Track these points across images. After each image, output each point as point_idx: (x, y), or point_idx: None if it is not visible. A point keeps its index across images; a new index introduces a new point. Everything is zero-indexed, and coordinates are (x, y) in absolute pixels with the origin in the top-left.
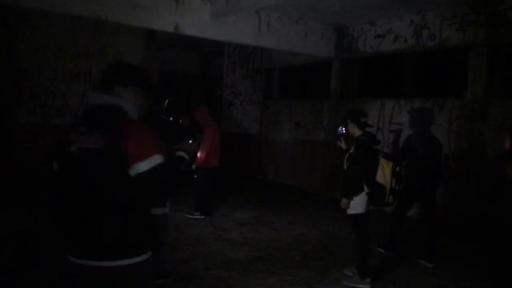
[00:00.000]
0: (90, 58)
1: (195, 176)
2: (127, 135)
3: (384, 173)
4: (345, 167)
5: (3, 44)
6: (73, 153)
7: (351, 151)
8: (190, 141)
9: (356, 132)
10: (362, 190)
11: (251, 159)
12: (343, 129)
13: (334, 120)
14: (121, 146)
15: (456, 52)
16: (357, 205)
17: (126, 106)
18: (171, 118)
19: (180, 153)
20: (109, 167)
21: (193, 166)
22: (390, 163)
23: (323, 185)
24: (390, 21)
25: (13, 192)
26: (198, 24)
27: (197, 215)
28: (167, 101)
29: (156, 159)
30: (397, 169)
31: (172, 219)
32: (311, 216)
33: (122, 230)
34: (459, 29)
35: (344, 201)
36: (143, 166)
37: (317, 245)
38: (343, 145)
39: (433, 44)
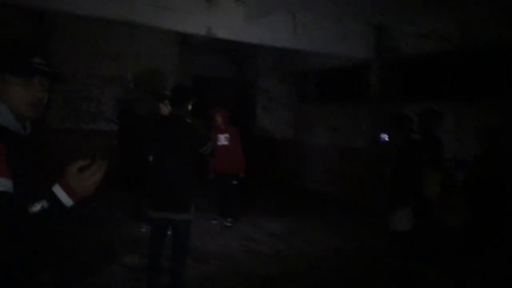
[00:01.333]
0: (123, 63)
1: (235, 182)
2: None
3: (432, 185)
4: (389, 177)
5: (38, 49)
6: None
7: (395, 160)
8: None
9: (400, 139)
10: (408, 203)
11: (286, 165)
12: (386, 136)
13: (372, 125)
14: None
15: (508, 51)
16: (402, 220)
17: None
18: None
19: (57, 189)
20: None
21: (242, 175)
22: (438, 174)
23: (361, 193)
24: (434, 19)
25: None
26: (231, 26)
27: (230, 221)
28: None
29: None
30: (447, 180)
31: (198, 227)
32: (348, 227)
33: None
34: (510, 26)
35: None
36: None
37: (355, 260)
38: (386, 154)
39: (481, 44)
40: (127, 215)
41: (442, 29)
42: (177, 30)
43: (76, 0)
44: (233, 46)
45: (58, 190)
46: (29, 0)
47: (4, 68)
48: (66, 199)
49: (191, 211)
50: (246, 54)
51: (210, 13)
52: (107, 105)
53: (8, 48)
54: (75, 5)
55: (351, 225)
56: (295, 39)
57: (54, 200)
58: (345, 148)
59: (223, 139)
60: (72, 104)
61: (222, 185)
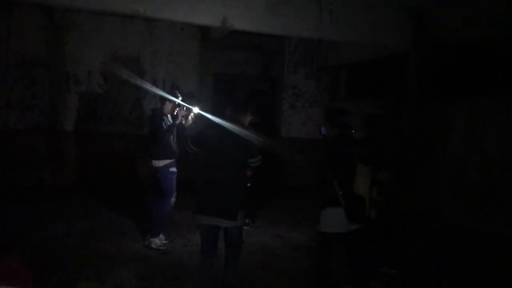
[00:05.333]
0: (142, 62)
1: (249, 185)
2: None
3: (363, 181)
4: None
5: (51, 48)
6: None
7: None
8: None
9: (331, 133)
10: (333, 203)
11: (315, 168)
12: (324, 130)
13: (412, 122)
14: None
15: None
16: (329, 221)
17: None
18: None
19: None
20: None
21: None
22: (369, 169)
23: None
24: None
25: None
26: (249, 16)
27: (247, 222)
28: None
29: None
30: (379, 176)
31: None
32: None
33: None
34: None
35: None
36: None
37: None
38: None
39: None
40: (142, 226)
41: (491, 11)
42: (190, 22)
43: None
44: (257, 40)
45: None
46: None
47: None
48: None
49: (238, 218)
50: (271, 49)
51: (225, 2)
52: (124, 106)
53: None
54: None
55: None
56: (321, 28)
57: None
58: None
59: None
60: (88, 106)
61: None
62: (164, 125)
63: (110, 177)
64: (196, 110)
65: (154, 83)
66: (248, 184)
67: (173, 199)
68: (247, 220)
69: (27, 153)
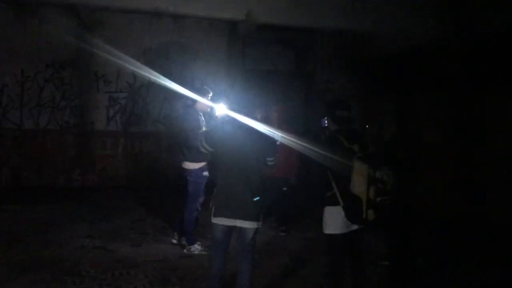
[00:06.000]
0: (170, 59)
1: (285, 189)
2: None
3: (359, 180)
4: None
5: (80, 48)
6: None
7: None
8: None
9: (331, 127)
10: (329, 203)
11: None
12: (325, 122)
13: (453, 118)
14: None
15: None
16: (330, 222)
17: None
18: None
19: None
20: None
21: (292, 181)
22: (365, 167)
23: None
24: None
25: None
26: (275, 8)
27: (283, 229)
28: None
29: None
30: (377, 174)
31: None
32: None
33: None
34: None
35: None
36: None
37: None
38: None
39: None
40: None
41: None
42: (213, 17)
43: None
44: (287, 34)
45: None
46: None
47: None
48: None
49: (260, 218)
50: (303, 43)
51: None
52: (153, 105)
53: None
54: None
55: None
56: (352, 18)
57: None
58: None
59: None
60: (117, 105)
61: (271, 191)
62: (200, 125)
63: (139, 177)
64: (223, 107)
65: (183, 81)
66: (284, 188)
67: (200, 201)
68: (283, 228)
69: (57, 153)
